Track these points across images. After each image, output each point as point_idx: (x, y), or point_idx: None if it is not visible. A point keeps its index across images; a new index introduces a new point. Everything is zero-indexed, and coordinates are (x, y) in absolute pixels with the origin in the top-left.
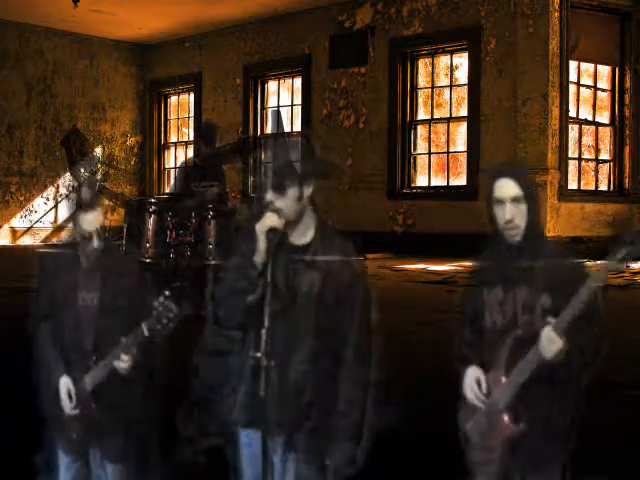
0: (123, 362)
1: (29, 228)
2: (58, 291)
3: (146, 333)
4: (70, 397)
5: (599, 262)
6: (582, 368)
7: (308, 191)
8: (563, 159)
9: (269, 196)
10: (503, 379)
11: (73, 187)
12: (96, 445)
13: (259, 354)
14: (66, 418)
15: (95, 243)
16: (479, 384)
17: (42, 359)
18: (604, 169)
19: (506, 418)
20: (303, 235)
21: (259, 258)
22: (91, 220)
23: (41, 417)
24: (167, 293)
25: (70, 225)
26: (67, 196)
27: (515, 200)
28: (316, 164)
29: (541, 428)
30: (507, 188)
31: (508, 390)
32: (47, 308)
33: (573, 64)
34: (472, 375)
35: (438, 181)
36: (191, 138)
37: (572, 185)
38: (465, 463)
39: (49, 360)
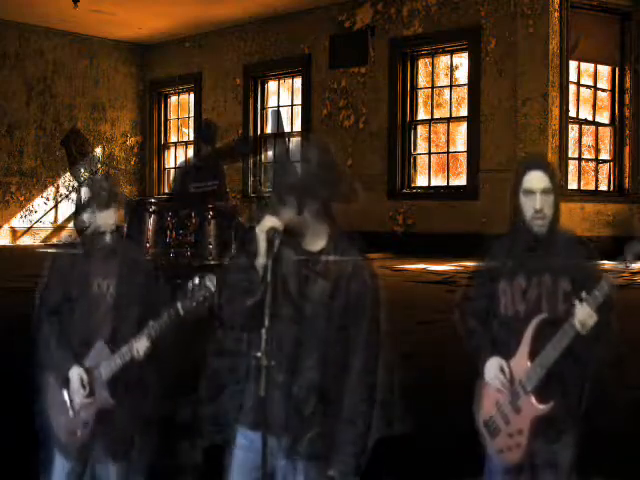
0: (141, 346)
1: (29, 228)
2: (70, 282)
3: (181, 312)
4: (83, 386)
5: (613, 266)
6: (599, 348)
7: (312, 205)
8: (563, 159)
9: (273, 201)
10: (529, 363)
11: (79, 185)
12: (102, 440)
13: (259, 354)
14: (72, 413)
15: (108, 238)
16: (504, 372)
17: (47, 356)
18: (604, 169)
19: (533, 400)
20: (314, 243)
21: (261, 259)
22: (106, 218)
23: (39, 415)
24: (202, 273)
25: (71, 225)
26: (67, 196)
27: (545, 192)
28: (325, 184)
29: (567, 404)
30: (538, 180)
31: (535, 372)
32: (55, 304)
33: (573, 64)
34: (496, 365)
35: (438, 181)
36: (191, 138)
37: (572, 185)
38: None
39: (55, 356)
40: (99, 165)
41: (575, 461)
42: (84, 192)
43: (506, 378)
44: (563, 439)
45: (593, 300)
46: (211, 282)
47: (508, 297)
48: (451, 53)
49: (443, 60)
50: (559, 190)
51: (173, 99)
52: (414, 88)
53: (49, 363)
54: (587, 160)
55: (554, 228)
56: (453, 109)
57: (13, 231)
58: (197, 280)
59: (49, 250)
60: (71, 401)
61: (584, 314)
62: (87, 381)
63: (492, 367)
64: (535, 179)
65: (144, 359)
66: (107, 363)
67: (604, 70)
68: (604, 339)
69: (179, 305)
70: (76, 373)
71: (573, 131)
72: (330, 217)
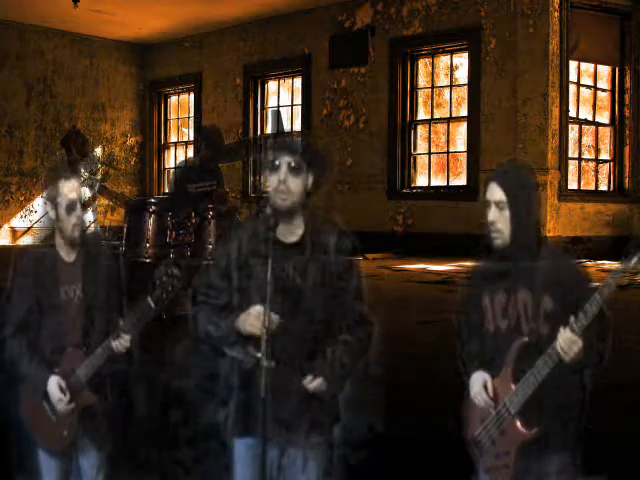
0: (123, 342)
1: (29, 228)
2: (39, 292)
3: (153, 305)
4: (63, 392)
5: (613, 266)
6: (590, 369)
7: (309, 182)
8: (563, 159)
9: (283, 174)
10: (512, 386)
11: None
12: (87, 432)
13: (259, 354)
14: (56, 418)
15: (79, 211)
16: (487, 389)
17: (20, 374)
18: (604, 169)
19: (518, 424)
20: (292, 233)
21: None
22: (73, 187)
23: (19, 421)
24: (167, 261)
25: (44, 220)
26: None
27: (498, 205)
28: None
29: (553, 432)
30: (493, 191)
31: (519, 396)
32: (21, 319)
33: (573, 64)
34: (479, 380)
35: (438, 181)
36: (191, 138)
37: (572, 185)
38: (469, 466)
39: (30, 373)
40: (99, 165)
41: None
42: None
43: (488, 396)
44: (553, 460)
45: (578, 324)
46: (177, 269)
47: (490, 312)
48: (451, 53)
49: (443, 60)
50: (525, 204)
51: (173, 99)
52: (414, 88)
53: (24, 380)
54: (587, 160)
55: (516, 243)
56: (453, 109)
57: (13, 231)
58: (162, 269)
59: (26, 250)
60: (52, 409)
61: (567, 341)
62: (66, 387)
63: (476, 382)
64: (491, 190)
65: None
66: (84, 366)
67: (604, 70)
68: (593, 361)
69: (149, 299)
70: (54, 382)
71: (573, 131)
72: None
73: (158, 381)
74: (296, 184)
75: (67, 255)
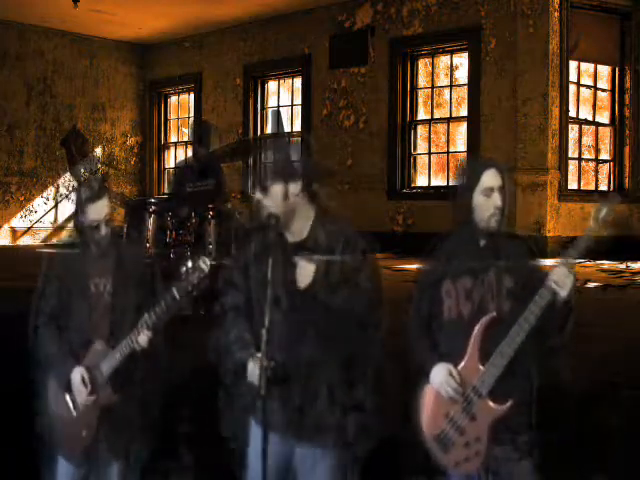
0: (144, 336)
1: (29, 228)
2: (67, 287)
3: (177, 297)
4: (85, 384)
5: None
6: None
7: (295, 189)
8: (563, 159)
9: (258, 195)
10: (480, 367)
11: (74, 187)
12: (105, 440)
13: (259, 354)
14: (76, 413)
15: (103, 230)
16: (453, 377)
17: (47, 364)
18: (604, 169)
19: (490, 403)
20: (299, 232)
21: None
22: (99, 209)
23: (40, 419)
24: (196, 257)
25: (71, 225)
26: (67, 196)
27: (500, 189)
28: (305, 165)
29: (519, 401)
30: (496, 178)
31: (490, 374)
32: (52, 311)
33: (573, 64)
34: (443, 371)
35: (438, 181)
36: (191, 138)
37: (572, 185)
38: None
39: (56, 363)
40: (99, 165)
41: (533, 466)
42: (90, 183)
43: (457, 383)
44: (518, 441)
45: (569, 259)
46: (204, 263)
47: (452, 299)
48: (451, 53)
49: (443, 60)
50: (509, 188)
51: (173, 99)
52: (414, 88)
53: (50, 370)
54: (587, 160)
55: (503, 225)
56: (453, 109)
57: (13, 231)
58: (190, 262)
59: (48, 250)
60: (74, 403)
61: (562, 275)
62: (88, 379)
63: (439, 373)
64: (493, 177)
65: (144, 352)
66: (107, 360)
67: (604, 70)
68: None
69: (174, 290)
70: (78, 373)
71: (573, 131)
72: (316, 201)
73: (173, 380)
74: (274, 195)
75: (97, 250)
